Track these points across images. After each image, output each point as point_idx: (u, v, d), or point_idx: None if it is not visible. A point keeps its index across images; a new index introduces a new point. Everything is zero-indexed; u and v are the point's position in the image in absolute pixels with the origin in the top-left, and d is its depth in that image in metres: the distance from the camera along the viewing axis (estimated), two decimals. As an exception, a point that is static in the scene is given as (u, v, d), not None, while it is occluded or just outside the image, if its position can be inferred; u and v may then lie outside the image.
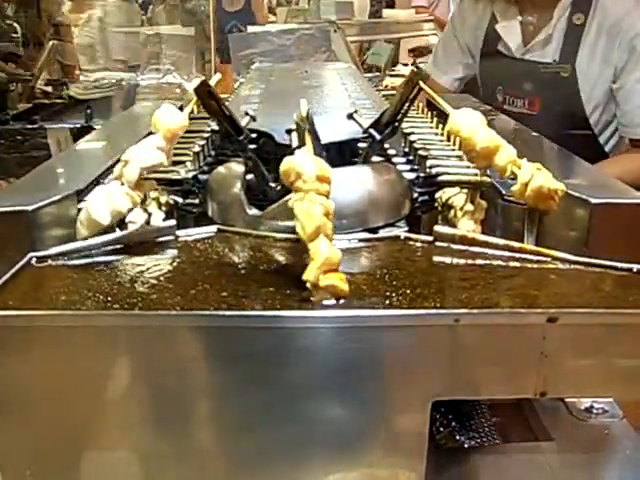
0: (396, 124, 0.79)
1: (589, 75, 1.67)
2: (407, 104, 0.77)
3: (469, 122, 0.74)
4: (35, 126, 2.55)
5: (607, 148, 1.75)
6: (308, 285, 0.60)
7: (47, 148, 2.37)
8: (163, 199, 0.84)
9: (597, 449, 0.85)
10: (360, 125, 0.78)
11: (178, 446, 0.62)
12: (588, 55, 1.66)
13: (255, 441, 0.62)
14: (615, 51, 1.63)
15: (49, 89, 3.24)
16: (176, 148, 1.01)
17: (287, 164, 0.65)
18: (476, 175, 0.81)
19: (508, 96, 1.82)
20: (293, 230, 0.74)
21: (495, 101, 1.82)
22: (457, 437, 0.86)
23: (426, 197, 0.85)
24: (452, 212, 0.80)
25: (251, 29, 3.55)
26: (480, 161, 0.75)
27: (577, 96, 1.68)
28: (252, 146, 0.84)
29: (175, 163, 0.90)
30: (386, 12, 5.07)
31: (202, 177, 0.84)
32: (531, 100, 1.76)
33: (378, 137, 0.79)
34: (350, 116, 0.79)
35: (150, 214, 0.82)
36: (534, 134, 1.14)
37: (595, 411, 0.89)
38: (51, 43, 3.53)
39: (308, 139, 0.71)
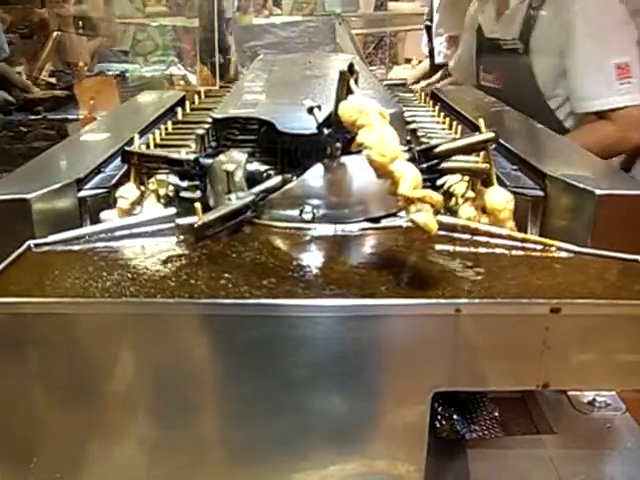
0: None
1: (540, 53, 1.77)
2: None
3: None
4: (38, 117, 2.55)
5: (567, 124, 1.83)
6: (400, 203, 0.63)
7: (50, 139, 2.37)
8: (162, 191, 0.83)
9: (599, 443, 0.84)
10: (316, 120, 0.77)
11: (178, 435, 0.62)
12: (540, 33, 1.76)
13: (254, 431, 0.61)
14: (559, 29, 1.72)
15: (53, 80, 3.24)
16: (179, 134, 1.01)
17: (347, 106, 0.68)
18: (477, 162, 0.80)
19: (484, 73, 1.98)
20: (293, 219, 0.74)
21: (478, 79, 2.01)
22: (458, 429, 0.86)
23: (428, 185, 0.84)
24: (453, 200, 0.80)
25: (256, 21, 3.54)
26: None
27: (531, 72, 1.79)
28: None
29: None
30: (391, 4, 5.05)
31: (204, 161, 0.83)
32: (497, 75, 1.91)
33: (326, 132, 0.78)
34: (310, 111, 0.78)
35: (143, 193, 0.83)
36: (539, 125, 1.13)
37: (597, 404, 0.89)
38: (55, 34, 3.53)
39: (355, 87, 0.72)
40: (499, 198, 0.76)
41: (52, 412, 0.62)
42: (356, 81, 0.72)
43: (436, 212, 0.71)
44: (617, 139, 1.67)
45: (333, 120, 0.74)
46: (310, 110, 0.77)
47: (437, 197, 0.63)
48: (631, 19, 1.70)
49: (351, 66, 0.72)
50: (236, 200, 0.74)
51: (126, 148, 0.85)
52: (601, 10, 1.70)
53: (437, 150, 0.80)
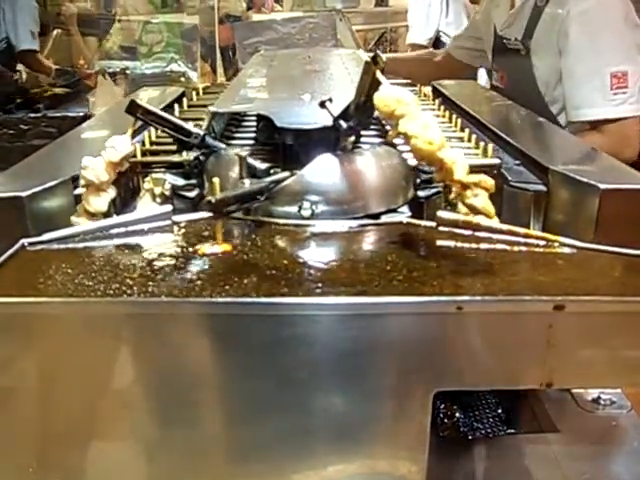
0: (366, 114, 0.78)
1: (540, 55, 1.71)
2: (371, 93, 0.75)
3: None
4: (38, 115, 2.55)
5: (568, 130, 1.72)
6: (455, 189, 0.65)
7: (50, 137, 2.36)
8: (157, 190, 0.82)
9: (604, 441, 0.84)
10: (331, 114, 0.76)
11: (177, 435, 0.61)
12: (540, 35, 1.70)
13: (255, 431, 0.61)
14: (556, 34, 1.65)
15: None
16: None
17: (383, 96, 0.68)
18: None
19: (494, 71, 1.93)
20: (292, 216, 0.73)
21: (492, 77, 1.96)
22: (461, 428, 0.85)
23: (430, 183, 0.83)
24: (453, 193, 0.78)
25: (256, 17, 3.53)
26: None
27: (532, 74, 1.73)
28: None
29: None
30: (392, 0, 5.04)
31: (203, 159, 0.83)
32: (501, 74, 1.86)
33: (345, 126, 0.77)
34: (322, 104, 0.77)
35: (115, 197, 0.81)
36: (541, 119, 1.12)
37: (602, 402, 0.88)
38: (55, 32, 3.53)
39: (382, 77, 0.71)
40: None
41: (46, 412, 0.61)
42: (382, 71, 0.71)
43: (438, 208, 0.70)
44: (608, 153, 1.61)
45: (352, 112, 0.74)
46: (322, 104, 0.76)
47: (490, 182, 0.66)
48: None
49: (375, 57, 0.71)
50: (250, 185, 0.73)
51: (134, 99, 0.83)
52: (601, 13, 1.61)
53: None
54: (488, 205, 0.67)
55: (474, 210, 0.66)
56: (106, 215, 0.79)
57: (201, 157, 0.86)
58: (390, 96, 0.68)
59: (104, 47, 3.40)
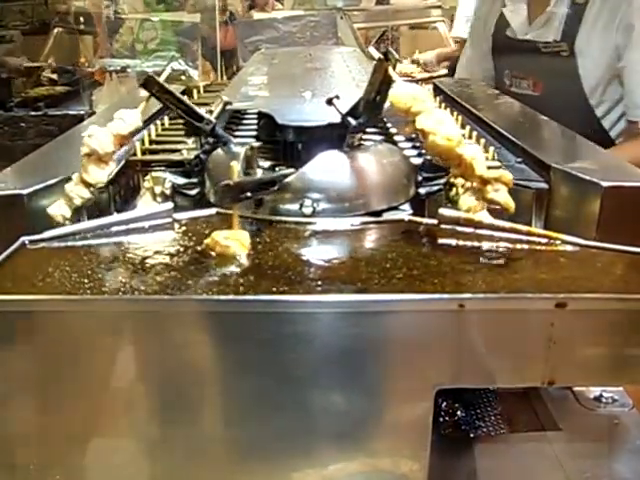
0: (375, 111, 0.77)
1: (588, 54, 1.64)
2: (382, 90, 0.75)
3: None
4: (39, 113, 2.54)
5: (612, 133, 1.71)
6: (475, 184, 0.66)
7: (51, 135, 2.36)
8: (158, 189, 0.82)
9: (606, 439, 0.83)
10: (339, 111, 0.76)
11: (177, 433, 0.61)
12: (588, 33, 1.63)
13: (256, 428, 0.60)
14: (615, 29, 1.59)
15: (54, 76, 3.24)
16: (177, 130, 1.00)
17: (399, 93, 0.69)
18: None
19: (515, 78, 1.81)
20: (293, 213, 0.73)
21: (504, 85, 1.82)
22: (462, 427, 0.85)
23: (431, 181, 0.83)
24: (454, 190, 0.78)
25: (257, 16, 3.53)
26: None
27: (576, 76, 1.65)
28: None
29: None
30: (394, -1, 5.03)
31: (204, 157, 0.82)
32: (534, 81, 1.74)
33: (353, 123, 0.77)
34: (330, 101, 0.77)
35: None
36: (543, 117, 1.11)
37: (604, 400, 0.88)
38: (56, 30, 3.52)
39: (395, 74, 0.71)
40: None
41: (46, 411, 0.61)
42: (394, 67, 0.71)
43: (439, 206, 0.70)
44: None
45: (361, 109, 0.74)
46: (329, 101, 0.76)
47: (509, 176, 0.67)
48: None
49: (387, 53, 0.71)
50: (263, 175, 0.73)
51: (152, 75, 0.82)
52: None
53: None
54: (509, 199, 0.68)
55: (495, 204, 0.68)
56: (103, 189, 0.78)
57: (202, 155, 0.86)
58: (406, 93, 0.69)
59: (116, 46, 3.39)
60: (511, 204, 0.68)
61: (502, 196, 0.67)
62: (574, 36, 1.64)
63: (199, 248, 0.66)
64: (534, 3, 1.74)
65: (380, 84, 0.72)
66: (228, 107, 0.91)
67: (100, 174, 0.76)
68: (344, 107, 0.78)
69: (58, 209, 0.75)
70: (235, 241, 0.64)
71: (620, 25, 1.57)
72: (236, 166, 0.68)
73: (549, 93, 1.70)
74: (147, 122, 1.05)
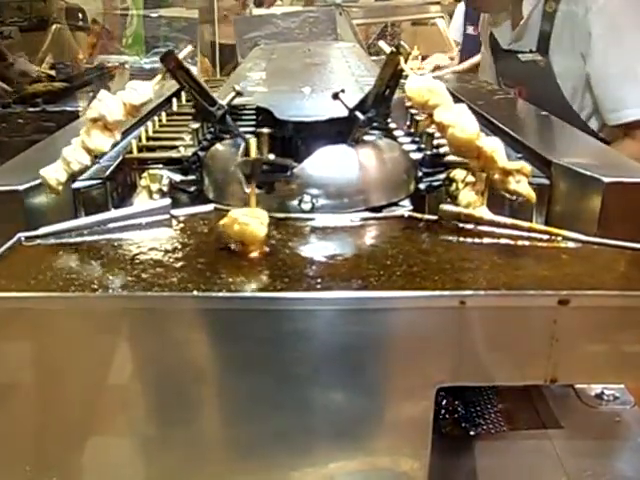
0: (384, 105, 0.77)
1: (560, 63, 1.63)
2: (392, 84, 0.75)
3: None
4: (37, 109, 2.53)
5: (602, 134, 1.65)
6: (496, 175, 0.66)
7: (49, 132, 2.35)
8: (154, 187, 0.81)
9: (607, 437, 0.83)
10: (346, 106, 0.76)
11: (177, 432, 0.61)
12: (558, 43, 1.62)
13: (255, 426, 0.60)
14: (578, 37, 1.57)
15: (53, 73, 3.23)
16: (174, 127, 0.99)
17: (415, 86, 0.68)
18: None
19: (506, 87, 1.83)
20: (292, 209, 0.72)
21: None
22: (463, 424, 0.84)
23: (431, 176, 0.82)
24: (454, 185, 0.78)
25: (256, 12, 3.52)
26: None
27: (555, 84, 1.65)
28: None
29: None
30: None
31: (202, 154, 0.82)
32: (519, 89, 1.75)
33: (362, 118, 0.77)
34: (335, 96, 0.76)
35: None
36: (543, 113, 1.11)
37: (606, 398, 0.88)
38: (54, 27, 3.51)
39: (408, 68, 0.72)
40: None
41: (42, 408, 0.60)
42: (406, 61, 0.71)
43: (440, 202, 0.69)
44: None
45: (370, 103, 0.73)
46: (335, 95, 0.76)
47: (529, 167, 0.68)
48: None
49: (398, 46, 0.70)
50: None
51: (172, 49, 0.80)
52: (621, 6, 1.52)
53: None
54: (530, 190, 0.68)
55: (518, 195, 0.68)
56: (100, 187, 0.77)
57: (200, 152, 0.85)
58: (423, 86, 0.68)
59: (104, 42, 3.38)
60: (532, 194, 0.68)
61: (524, 187, 0.67)
62: (547, 46, 1.64)
63: (197, 244, 0.66)
64: (514, 14, 1.74)
65: (390, 78, 0.72)
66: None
67: (103, 141, 0.73)
68: (347, 102, 0.77)
69: (53, 172, 0.72)
70: (254, 218, 0.63)
71: (579, 33, 1.56)
72: (253, 142, 0.68)
73: (534, 100, 1.69)
74: (143, 119, 1.05)
